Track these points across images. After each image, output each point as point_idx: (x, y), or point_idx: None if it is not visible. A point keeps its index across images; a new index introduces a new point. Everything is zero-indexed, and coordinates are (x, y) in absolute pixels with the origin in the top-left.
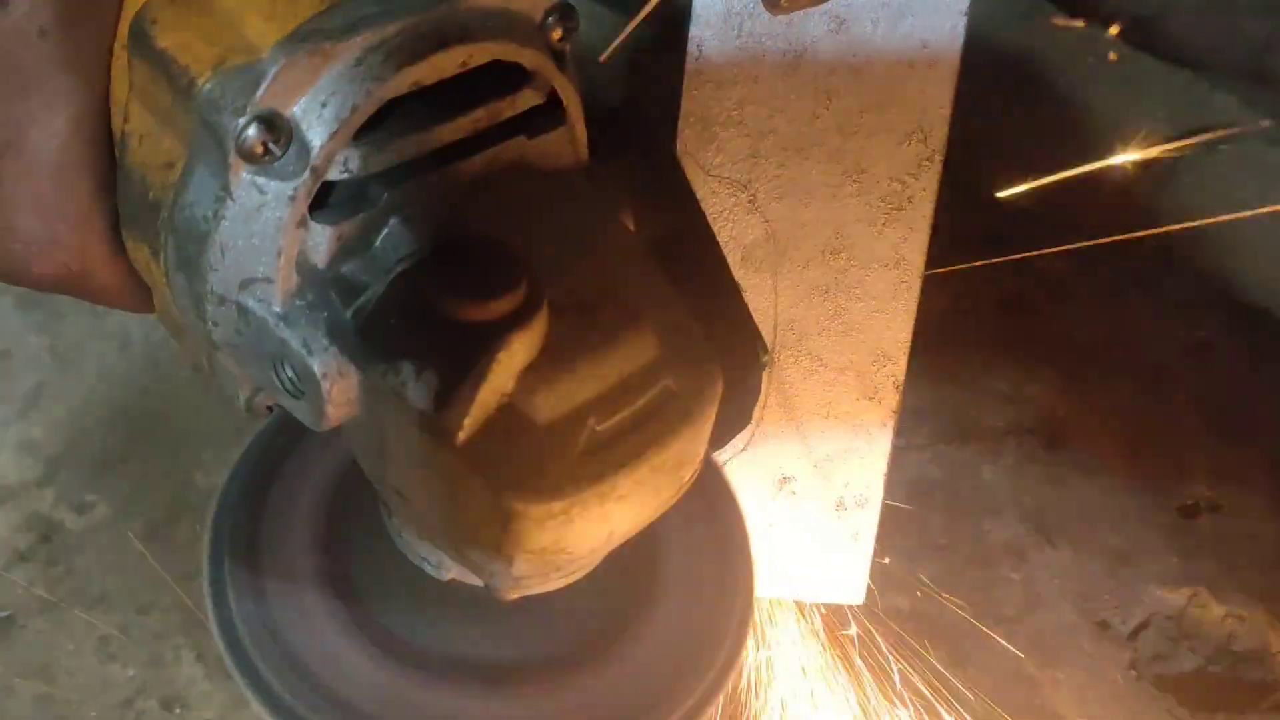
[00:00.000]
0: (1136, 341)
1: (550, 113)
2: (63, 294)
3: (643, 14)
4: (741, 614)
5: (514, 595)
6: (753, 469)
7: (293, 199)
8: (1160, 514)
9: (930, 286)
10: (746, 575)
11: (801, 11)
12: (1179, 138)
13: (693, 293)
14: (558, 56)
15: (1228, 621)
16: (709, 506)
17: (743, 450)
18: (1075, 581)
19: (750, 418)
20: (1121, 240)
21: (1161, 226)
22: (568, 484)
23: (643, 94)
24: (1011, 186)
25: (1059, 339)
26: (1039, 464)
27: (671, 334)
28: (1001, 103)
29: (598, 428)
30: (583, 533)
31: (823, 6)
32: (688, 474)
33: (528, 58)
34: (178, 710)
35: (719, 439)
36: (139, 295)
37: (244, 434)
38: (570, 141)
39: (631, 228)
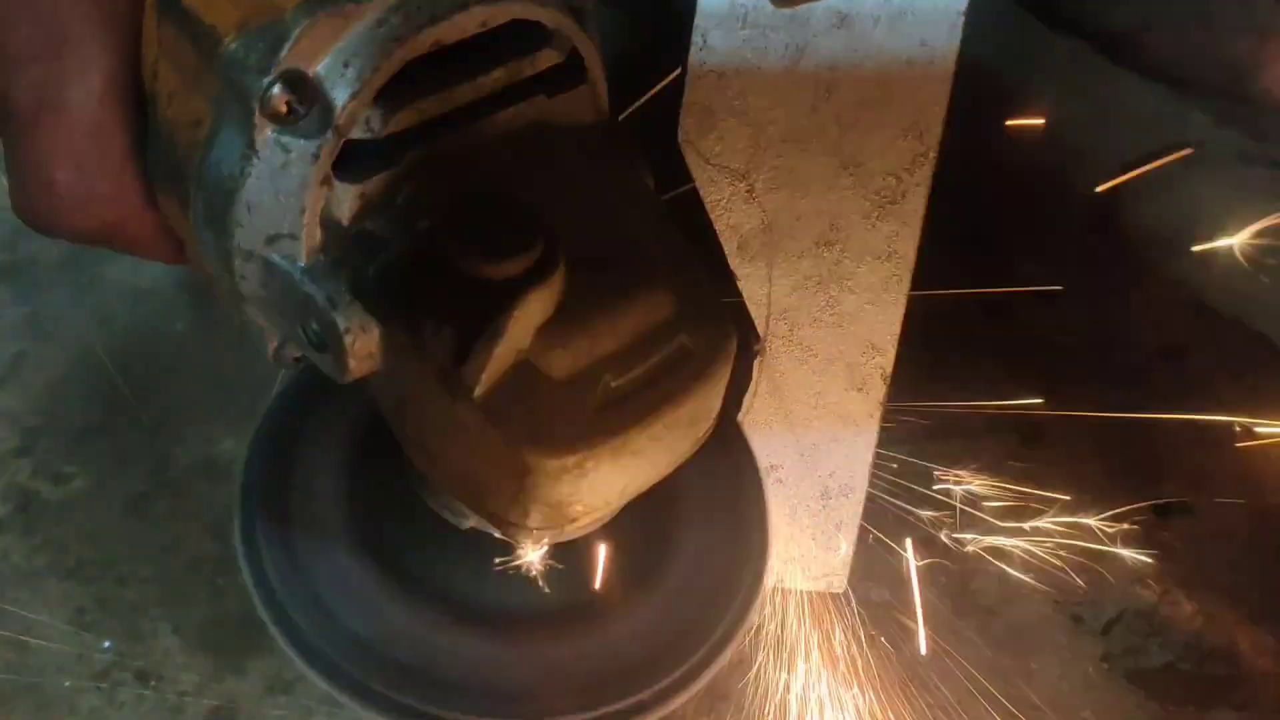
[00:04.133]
0: (1113, 345)
1: (571, 71)
2: (99, 245)
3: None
4: (755, 569)
5: (530, 546)
6: None
7: (316, 157)
8: (1134, 513)
9: (916, 287)
10: (762, 531)
11: (805, 6)
12: (1155, 152)
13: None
14: (578, 14)
15: (1197, 619)
16: (727, 462)
17: None
18: (1050, 577)
19: (740, 405)
20: (1099, 249)
21: (1137, 238)
22: (582, 438)
23: (641, 83)
24: (992, 192)
25: (1039, 341)
26: (1017, 461)
27: (686, 291)
28: (978, 112)
29: (613, 383)
30: (597, 486)
31: (825, 1)
32: (702, 430)
33: (548, 16)
34: (153, 683)
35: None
36: (172, 246)
37: (226, 410)
38: (591, 99)
39: (651, 185)
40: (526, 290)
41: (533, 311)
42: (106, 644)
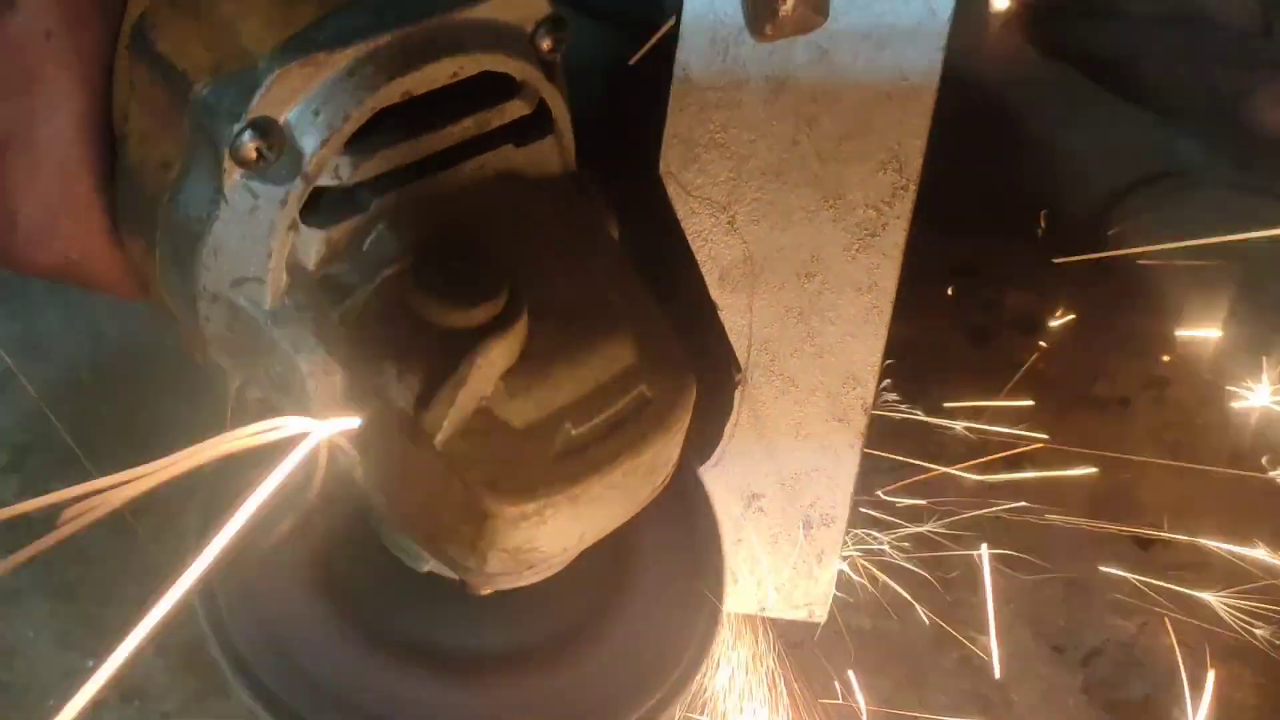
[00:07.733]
0: (1097, 375)
1: (539, 122)
2: (62, 281)
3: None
4: (709, 616)
5: (487, 591)
6: (722, 485)
7: (284, 203)
8: (1116, 543)
9: (900, 315)
10: (717, 578)
11: (785, 39)
12: (1144, 180)
13: (670, 310)
14: (548, 67)
15: (1177, 650)
16: (684, 509)
17: (713, 466)
18: (1032, 606)
19: (722, 435)
20: (1085, 278)
21: (1124, 264)
22: (541, 486)
23: (624, 114)
24: (979, 220)
25: (1023, 370)
26: (1001, 491)
27: (648, 342)
28: (969, 139)
29: (573, 431)
30: (555, 533)
31: (806, 35)
32: (660, 479)
33: (517, 69)
34: (136, 703)
35: (693, 455)
36: (136, 284)
37: (216, 431)
38: (558, 151)
39: (615, 237)
40: (489, 339)
41: (495, 360)
42: (91, 663)
